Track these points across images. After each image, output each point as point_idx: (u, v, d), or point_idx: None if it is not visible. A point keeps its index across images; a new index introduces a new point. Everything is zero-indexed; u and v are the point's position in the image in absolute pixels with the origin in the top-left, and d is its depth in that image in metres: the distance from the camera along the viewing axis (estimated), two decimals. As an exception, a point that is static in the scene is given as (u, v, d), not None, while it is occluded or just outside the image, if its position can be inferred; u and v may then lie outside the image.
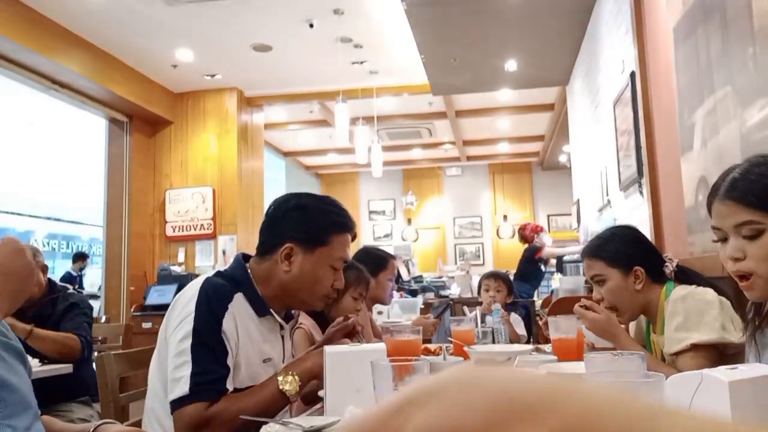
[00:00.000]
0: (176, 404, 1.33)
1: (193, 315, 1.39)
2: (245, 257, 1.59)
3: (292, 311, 1.68)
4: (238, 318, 1.43)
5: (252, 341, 1.47)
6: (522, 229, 7.48)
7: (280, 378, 1.38)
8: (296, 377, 1.38)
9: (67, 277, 8.10)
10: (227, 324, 1.40)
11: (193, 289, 1.45)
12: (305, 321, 2.11)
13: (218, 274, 1.53)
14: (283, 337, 1.61)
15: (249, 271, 1.54)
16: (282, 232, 1.53)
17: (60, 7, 5.33)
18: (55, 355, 2.49)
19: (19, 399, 1.05)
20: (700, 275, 1.79)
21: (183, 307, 1.42)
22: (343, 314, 2.14)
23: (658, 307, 1.75)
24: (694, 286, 1.70)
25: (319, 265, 1.53)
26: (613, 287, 1.78)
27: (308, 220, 1.53)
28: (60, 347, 2.50)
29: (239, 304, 1.46)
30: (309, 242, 1.52)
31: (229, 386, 1.37)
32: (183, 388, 1.33)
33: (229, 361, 1.38)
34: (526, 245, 7.15)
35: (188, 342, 1.36)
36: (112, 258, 7.05)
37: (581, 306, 1.71)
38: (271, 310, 1.53)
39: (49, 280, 2.73)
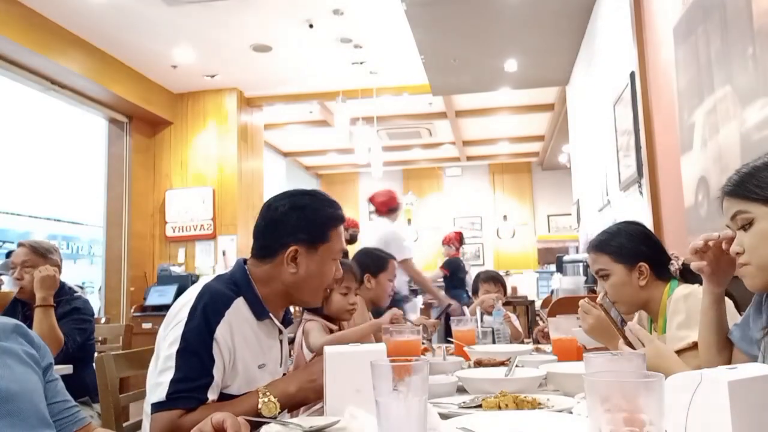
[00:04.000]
0: (153, 408, 1.34)
1: (185, 321, 1.38)
2: (244, 261, 1.58)
3: (291, 316, 1.69)
4: (235, 325, 1.42)
5: (249, 347, 1.46)
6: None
7: (260, 400, 1.35)
8: (277, 403, 1.35)
9: None
10: (221, 332, 1.38)
11: (190, 294, 1.44)
12: (312, 317, 2.13)
13: (218, 278, 1.53)
14: (281, 341, 1.61)
15: (249, 274, 1.53)
16: (284, 234, 1.52)
17: (60, 7, 5.33)
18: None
19: (15, 410, 0.97)
20: None
21: (177, 311, 1.42)
22: (336, 311, 2.15)
23: (660, 304, 1.75)
24: (696, 285, 1.70)
25: (323, 263, 1.55)
26: (616, 282, 1.78)
27: (308, 220, 1.53)
28: (46, 336, 2.49)
29: (238, 309, 1.45)
30: (312, 242, 1.52)
31: (212, 395, 1.36)
32: (161, 393, 1.32)
33: (216, 370, 1.37)
34: (450, 258, 7.21)
35: (175, 347, 1.35)
36: (112, 258, 7.05)
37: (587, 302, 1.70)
38: (270, 314, 1.53)
39: (61, 282, 2.77)
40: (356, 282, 2.26)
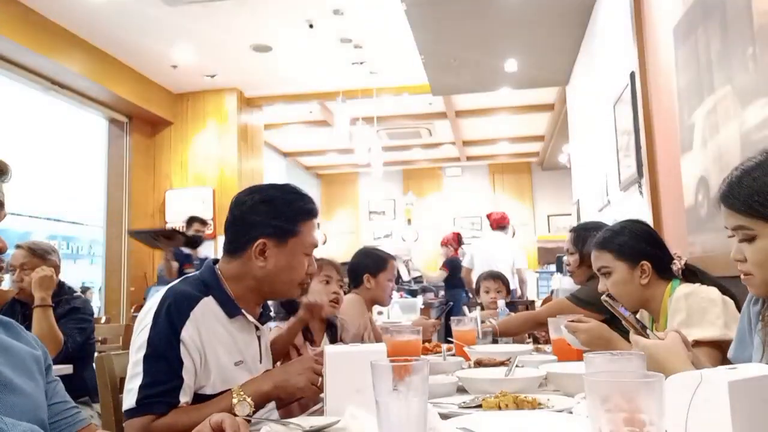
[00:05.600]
0: (126, 416, 1.33)
1: (150, 325, 1.37)
2: (215, 261, 1.57)
3: (270, 312, 1.67)
4: (203, 324, 1.41)
5: (222, 345, 1.44)
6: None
7: (234, 399, 1.33)
8: (251, 402, 1.34)
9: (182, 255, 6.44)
10: (188, 332, 1.37)
11: (155, 298, 1.43)
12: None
13: (184, 280, 1.52)
14: (259, 337, 1.58)
15: (218, 272, 1.52)
16: (252, 228, 1.50)
17: (60, 7, 5.33)
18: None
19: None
20: (708, 275, 1.80)
21: (144, 317, 1.41)
22: (315, 298, 2.13)
23: (662, 303, 1.75)
24: (698, 285, 1.70)
25: (293, 256, 1.51)
26: (618, 280, 1.79)
27: (277, 213, 1.51)
28: (45, 336, 2.49)
29: (206, 308, 1.43)
30: (280, 235, 1.50)
31: (184, 398, 1.35)
32: (131, 400, 1.32)
33: (186, 372, 1.35)
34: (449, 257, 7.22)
35: (142, 353, 1.35)
36: (112, 258, 7.05)
37: (571, 321, 1.70)
38: (244, 310, 1.51)
39: (60, 282, 2.77)
40: (338, 274, 2.25)
